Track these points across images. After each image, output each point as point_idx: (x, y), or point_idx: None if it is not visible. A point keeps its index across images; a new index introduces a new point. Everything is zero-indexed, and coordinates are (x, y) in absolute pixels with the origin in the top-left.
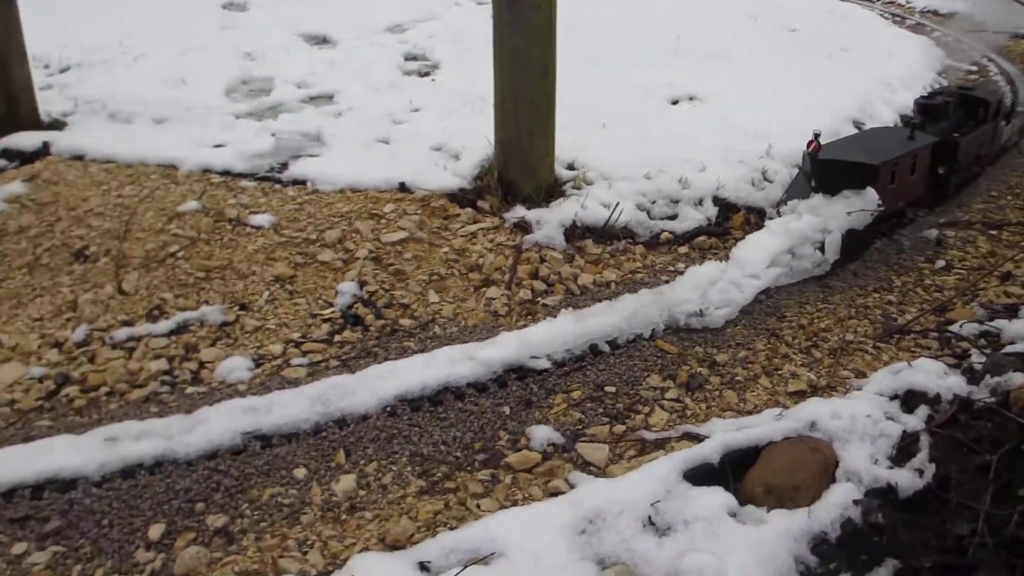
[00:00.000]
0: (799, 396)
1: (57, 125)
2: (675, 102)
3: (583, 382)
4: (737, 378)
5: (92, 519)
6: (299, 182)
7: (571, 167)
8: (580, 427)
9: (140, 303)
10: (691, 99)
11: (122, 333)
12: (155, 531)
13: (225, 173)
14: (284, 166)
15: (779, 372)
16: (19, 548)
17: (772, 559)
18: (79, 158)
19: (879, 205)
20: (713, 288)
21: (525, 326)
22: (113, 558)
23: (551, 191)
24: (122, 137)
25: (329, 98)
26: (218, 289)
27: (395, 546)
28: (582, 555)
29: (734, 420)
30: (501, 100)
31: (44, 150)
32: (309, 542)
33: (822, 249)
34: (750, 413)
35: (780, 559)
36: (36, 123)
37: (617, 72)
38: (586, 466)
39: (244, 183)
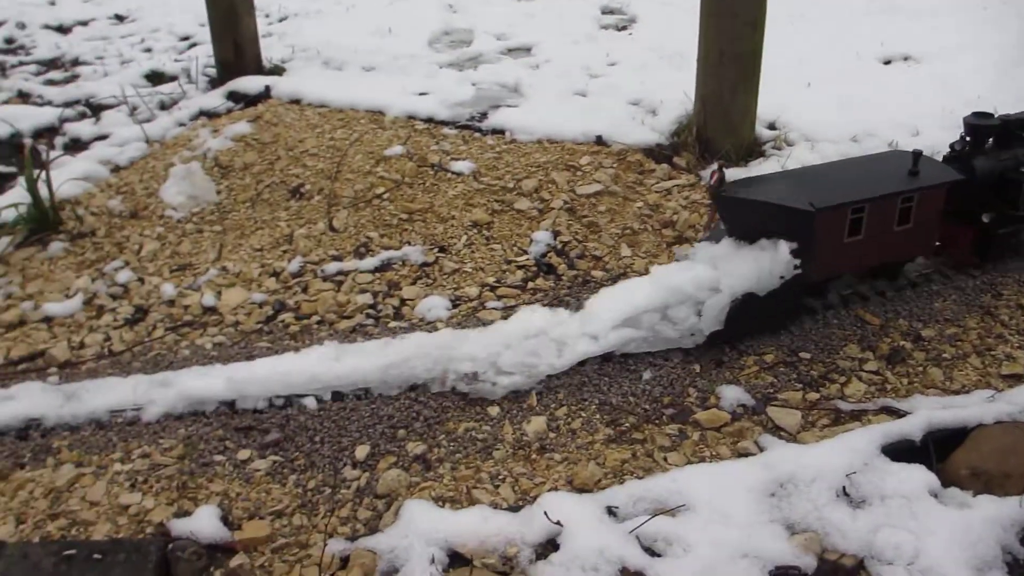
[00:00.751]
0: (1014, 380)
1: (277, 71)
2: (887, 62)
3: (776, 345)
4: (944, 355)
5: (306, 435)
6: (498, 131)
7: (772, 127)
8: (771, 391)
9: (348, 240)
10: (905, 59)
11: (332, 267)
12: (361, 451)
13: (428, 120)
14: (484, 115)
15: (992, 352)
16: (244, 454)
17: (975, 545)
18: (296, 102)
19: (797, 267)
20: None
21: None
22: (324, 472)
23: (750, 150)
24: (335, 83)
25: (527, 50)
26: (419, 231)
27: (583, 489)
28: (771, 518)
29: (939, 398)
30: (705, 53)
31: (266, 93)
32: (501, 476)
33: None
34: (957, 393)
35: (985, 546)
36: (259, 69)
37: (825, 28)
38: (776, 430)
39: (446, 130)
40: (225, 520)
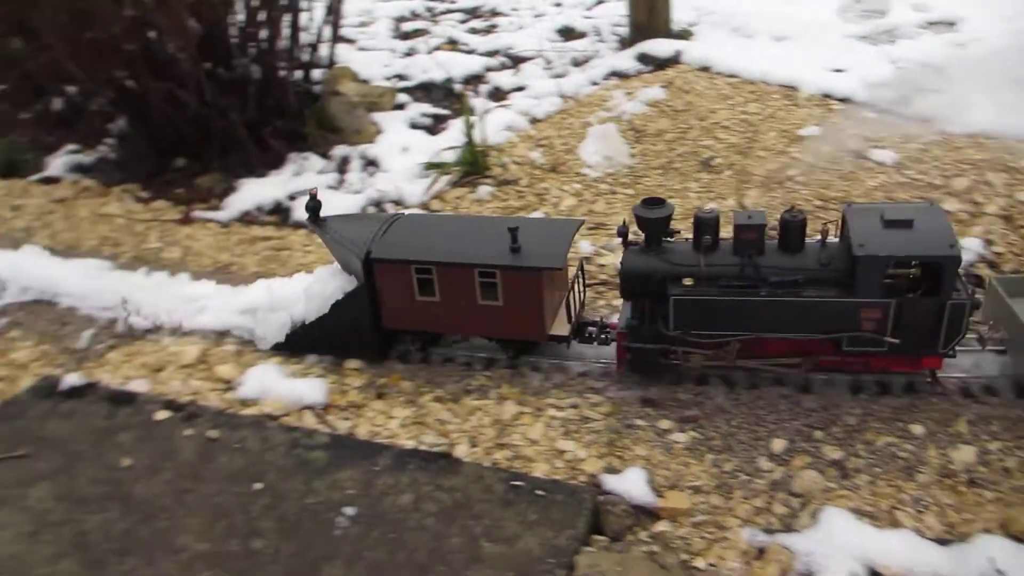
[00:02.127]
0: None
1: (684, 35)
2: None
3: None
4: None
5: (723, 417)
6: (923, 120)
7: None
8: None
9: None
10: None
11: None
12: (777, 445)
13: (845, 100)
14: (906, 100)
15: None
16: (664, 424)
17: None
18: (705, 69)
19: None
20: None
21: None
22: (739, 457)
23: None
24: (745, 52)
25: (950, 25)
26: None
27: (1020, 539)
28: None
29: None
30: None
31: (675, 58)
32: (924, 503)
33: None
34: None
35: None
36: (667, 32)
37: None
38: None
39: (865, 114)
40: (650, 485)
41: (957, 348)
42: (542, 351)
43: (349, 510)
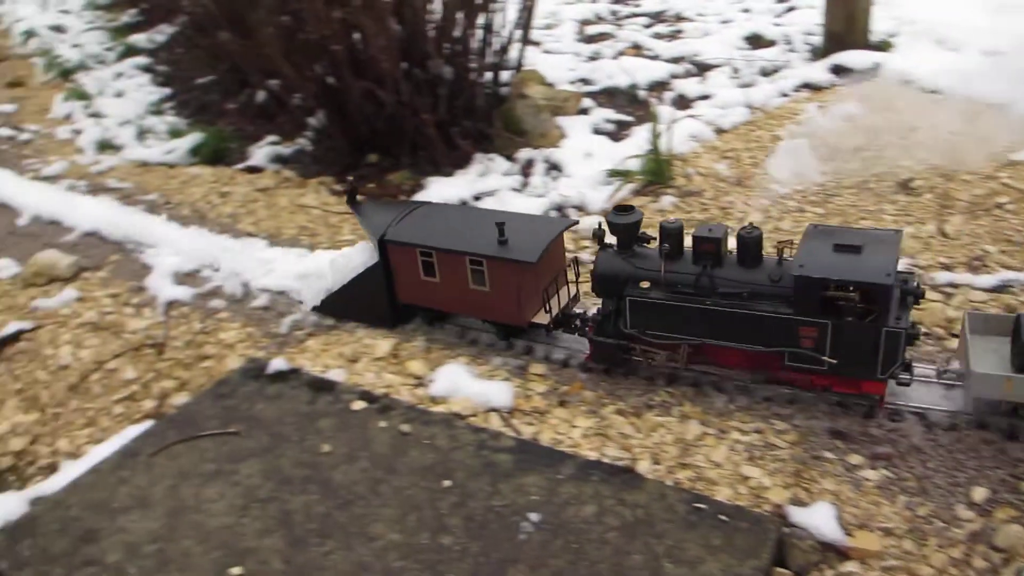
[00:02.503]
0: None
1: (883, 46)
2: None
3: None
4: None
5: (918, 457)
6: None
7: None
8: None
9: (961, 249)
10: None
11: (942, 276)
12: (978, 494)
13: None
14: None
15: None
16: (854, 459)
17: None
18: (906, 83)
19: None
20: None
21: None
22: (936, 502)
23: None
24: (950, 66)
25: None
26: None
27: None
28: None
29: None
30: None
31: (873, 71)
32: None
33: None
34: None
35: None
36: (865, 43)
37: None
38: None
39: None
40: (838, 522)
41: (913, 378)
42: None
43: (533, 516)
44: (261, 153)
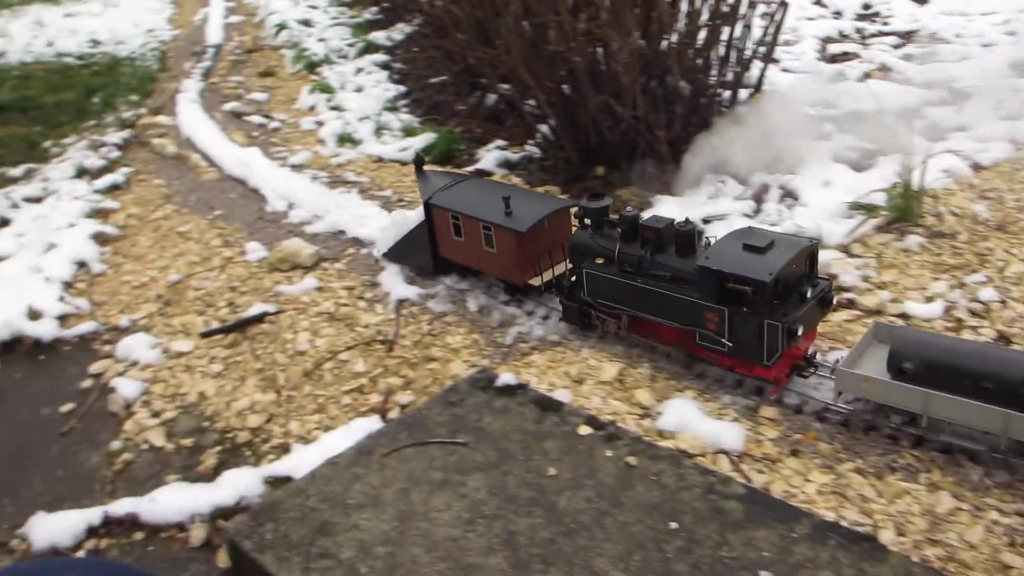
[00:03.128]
0: None
1: None
2: None
3: None
4: None
5: None
6: None
7: None
8: None
9: None
10: None
11: None
12: None
13: None
14: None
15: None
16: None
17: None
18: None
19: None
20: None
21: None
22: None
23: None
24: None
25: None
26: None
27: None
28: None
29: None
30: None
31: None
32: None
33: None
34: None
35: None
36: None
37: None
38: None
39: None
40: None
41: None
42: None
43: (765, 574)
44: (489, 157)
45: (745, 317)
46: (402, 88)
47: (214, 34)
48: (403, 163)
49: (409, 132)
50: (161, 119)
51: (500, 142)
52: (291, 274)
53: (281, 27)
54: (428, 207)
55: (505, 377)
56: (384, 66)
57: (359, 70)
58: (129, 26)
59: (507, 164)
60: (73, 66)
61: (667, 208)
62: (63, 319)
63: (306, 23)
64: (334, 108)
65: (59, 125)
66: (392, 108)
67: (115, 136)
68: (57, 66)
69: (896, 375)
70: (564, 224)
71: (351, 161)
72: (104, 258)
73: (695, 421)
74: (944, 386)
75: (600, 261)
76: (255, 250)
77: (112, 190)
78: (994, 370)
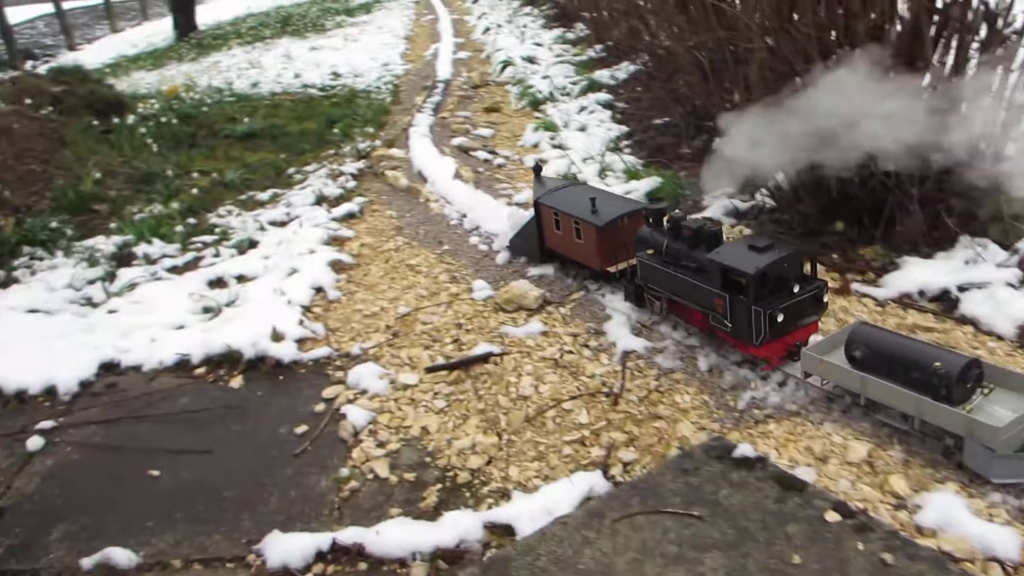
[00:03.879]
0: None
1: None
2: None
3: None
4: None
5: None
6: None
7: None
8: None
9: None
10: None
11: None
12: None
13: None
14: None
15: None
16: None
17: None
18: None
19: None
20: None
21: None
22: None
23: None
24: None
25: None
26: None
27: None
28: None
29: None
30: None
31: None
32: None
33: None
34: None
35: None
36: None
37: None
38: None
39: None
40: None
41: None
42: None
43: None
44: (717, 204)
45: (740, 303)
46: (625, 128)
47: (443, 69)
48: None
49: (632, 175)
50: (394, 151)
51: (728, 189)
52: (516, 315)
53: (507, 63)
54: (537, 205)
55: (743, 448)
56: (607, 105)
57: (582, 108)
58: (367, 60)
59: (735, 213)
60: (316, 97)
61: (917, 272)
62: (301, 342)
63: (531, 60)
64: (557, 146)
65: (302, 153)
66: (615, 148)
67: (351, 166)
68: (302, 96)
69: (850, 361)
70: (639, 224)
71: None
72: (339, 285)
73: (961, 520)
74: (883, 373)
75: (650, 252)
76: (481, 288)
77: (348, 218)
78: (922, 362)
